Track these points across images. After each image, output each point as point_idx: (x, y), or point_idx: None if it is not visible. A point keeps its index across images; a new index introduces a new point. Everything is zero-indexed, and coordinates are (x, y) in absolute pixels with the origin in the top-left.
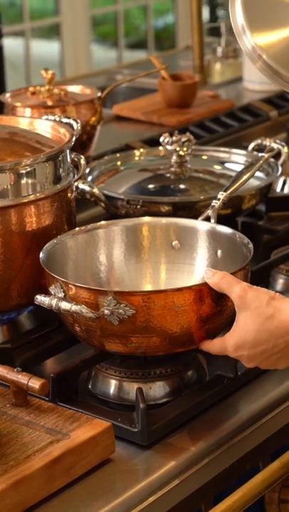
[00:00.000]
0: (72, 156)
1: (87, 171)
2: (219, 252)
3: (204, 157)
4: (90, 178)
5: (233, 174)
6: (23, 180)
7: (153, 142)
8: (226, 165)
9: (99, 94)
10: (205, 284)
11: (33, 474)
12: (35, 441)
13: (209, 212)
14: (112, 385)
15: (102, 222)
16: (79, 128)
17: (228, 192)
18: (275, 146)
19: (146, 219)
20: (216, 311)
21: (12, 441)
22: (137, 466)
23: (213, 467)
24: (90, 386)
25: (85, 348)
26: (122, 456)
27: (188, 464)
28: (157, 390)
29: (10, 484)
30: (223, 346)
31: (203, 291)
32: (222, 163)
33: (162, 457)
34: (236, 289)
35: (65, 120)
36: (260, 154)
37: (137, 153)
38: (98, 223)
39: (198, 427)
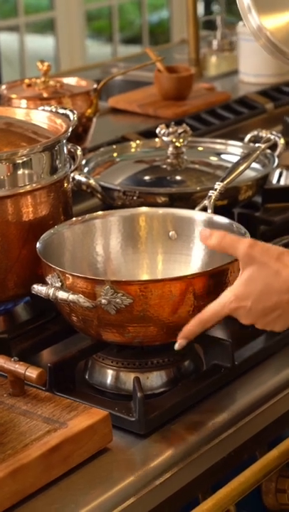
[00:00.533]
0: (69, 147)
1: (83, 162)
2: None
3: (200, 148)
4: (86, 170)
5: (230, 165)
6: (20, 171)
7: (149, 134)
8: (223, 156)
9: (95, 86)
10: (202, 274)
11: (31, 463)
12: (32, 431)
13: (206, 202)
14: (109, 375)
15: (99, 213)
16: (75, 119)
17: (225, 182)
18: (271, 137)
19: (143, 209)
20: (214, 300)
21: (9, 431)
22: (134, 455)
23: (211, 456)
24: (86, 376)
25: (81, 339)
26: (119, 446)
27: (186, 453)
28: (154, 379)
29: (8, 473)
30: (224, 298)
31: (200, 280)
32: (218, 154)
33: (159, 446)
34: (242, 246)
35: (61, 111)
36: (256, 145)
37: (133, 144)
38: (95, 213)
39: (195, 417)
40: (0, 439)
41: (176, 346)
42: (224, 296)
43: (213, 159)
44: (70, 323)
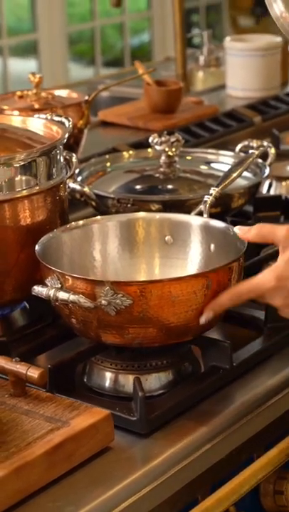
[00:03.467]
0: (64, 154)
1: (76, 171)
2: (212, 246)
3: (192, 158)
4: (79, 179)
5: (222, 174)
6: (17, 175)
7: (139, 146)
8: (214, 166)
9: (86, 97)
10: (201, 274)
11: (35, 461)
12: (35, 429)
13: (202, 207)
14: (108, 378)
15: (97, 218)
16: (70, 126)
17: (220, 187)
18: (265, 143)
19: (141, 214)
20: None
21: (12, 429)
22: (135, 454)
23: (211, 457)
24: (85, 380)
25: (78, 344)
26: (120, 445)
27: (186, 453)
28: (153, 381)
29: (12, 470)
30: (263, 276)
31: (199, 281)
32: (210, 164)
33: (160, 446)
34: (280, 231)
35: (56, 118)
36: (250, 151)
37: (125, 155)
38: (93, 218)
39: (195, 417)
40: (3, 437)
41: (202, 319)
42: (264, 275)
43: (205, 168)
44: (69, 326)
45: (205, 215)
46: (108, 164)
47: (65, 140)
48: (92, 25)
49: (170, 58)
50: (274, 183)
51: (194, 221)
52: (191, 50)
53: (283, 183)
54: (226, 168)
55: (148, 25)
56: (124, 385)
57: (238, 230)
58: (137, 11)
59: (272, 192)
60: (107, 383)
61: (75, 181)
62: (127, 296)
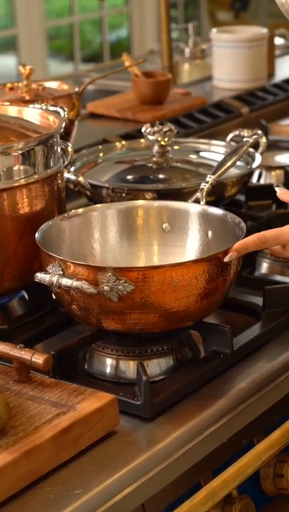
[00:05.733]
0: (60, 144)
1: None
2: (210, 233)
3: (184, 148)
4: (72, 169)
5: (215, 164)
6: (15, 164)
7: (129, 137)
8: (206, 155)
9: (76, 89)
10: (202, 260)
11: (43, 444)
12: (42, 414)
13: (198, 194)
14: (109, 364)
15: (96, 206)
16: (66, 115)
17: (216, 175)
18: (259, 131)
19: (139, 202)
20: (213, 286)
21: (19, 415)
22: (140, 438)
23: (212, 440)
24: (86, 366)
25: (76, 333)
26: (125, 429)
27: (189, 437)
28: (154, 367)
29: (21, 453)
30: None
31: (200, 266)
32: (202, 153)
33: (164, 430)
34: None
35: (51, 108)
36: (244, 139)
37: (118, 145)
38: (91, 206)
39: (197, 401)
40: (11, 422)
41: (226, 258)
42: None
43: (198, 158)
44: (69, 313)
45: (202, 202)
46: (101, 155)
47: (62, 129)
48: (71, 21)
49: (154, 51)
50: (264, 173)
51: (192, 208)
52: (174, 42)
53: (273, 173)
54: (217, 157)
55: (126, 21)
56: (126, 371)
57: (278, 189)
58: (113, 6)
59: (262, 182)
60: (108, 369)
61: (68, 171)
62: (129, 282)
